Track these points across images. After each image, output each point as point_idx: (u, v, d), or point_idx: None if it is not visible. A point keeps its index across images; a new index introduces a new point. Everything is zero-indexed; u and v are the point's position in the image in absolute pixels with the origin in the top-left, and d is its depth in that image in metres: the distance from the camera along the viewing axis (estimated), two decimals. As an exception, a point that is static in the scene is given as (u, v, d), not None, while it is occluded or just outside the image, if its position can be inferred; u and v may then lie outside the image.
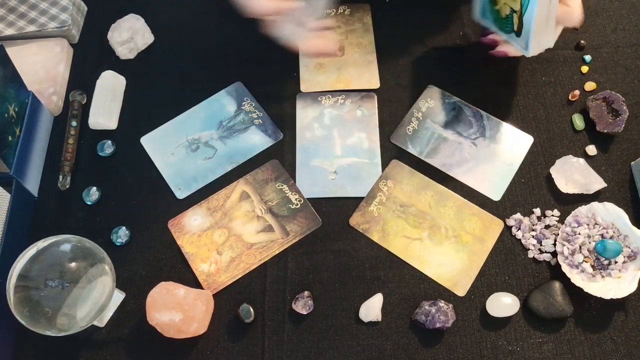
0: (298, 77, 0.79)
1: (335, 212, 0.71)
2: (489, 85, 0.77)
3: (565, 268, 0.64)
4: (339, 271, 0.67)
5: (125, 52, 0.81)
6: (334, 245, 0.69)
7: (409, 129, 0.75)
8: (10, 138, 0.69)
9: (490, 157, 0.73)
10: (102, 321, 0.65)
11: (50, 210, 0.72)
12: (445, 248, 0.68)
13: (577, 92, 0.76)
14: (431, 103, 0.77)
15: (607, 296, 0.62)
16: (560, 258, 0.65)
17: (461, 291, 0.66)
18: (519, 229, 0.68)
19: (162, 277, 0.65)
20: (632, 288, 0.62)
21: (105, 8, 0.86)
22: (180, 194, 0.72)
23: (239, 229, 0.70)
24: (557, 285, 0.64)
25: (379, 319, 0.64)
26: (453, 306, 0.64)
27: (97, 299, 0.59)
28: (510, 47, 0.74)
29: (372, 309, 0.64)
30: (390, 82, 0.78)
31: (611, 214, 0.66)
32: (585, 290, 0.63)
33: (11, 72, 0.70)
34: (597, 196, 0.70)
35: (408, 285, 0.66)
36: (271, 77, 0.80)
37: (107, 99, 0.77)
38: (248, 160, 0.74)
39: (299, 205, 0.71)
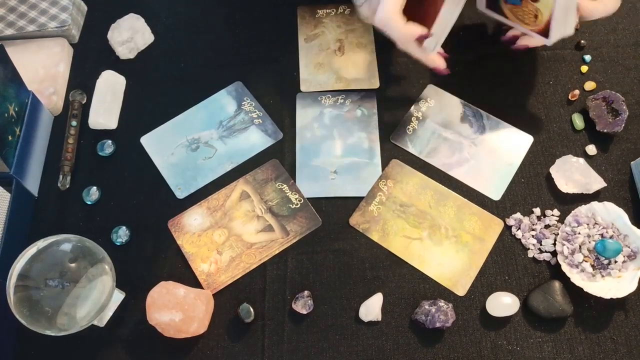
0: (298, 77, 0.79)
1: (335, 211, 0.71)
2: (489, 85, 0.77)
3: (565, 268, 0.64)
4: (339, 271, 0.67)
5: (125, 52, 0.81)
6: (334, 245, 0.69)
7: (409, 128, 0.75)
8: (10, 138, 0.69)
9: (490, 157, 0.73)
10: (102, 321, 0.65)
11: (50, 210, 0.72)
12: (445, 248, 0.68)
13: (577, 91, 0.76)
14: (431, 103, 0.77)
15: (607, 296, 0.62)
16: (560, 258, 0.65)
17: (461, 291, 0.66)
18: (519, 228, 0.68)
19: (162, 277, 0.65)
20: (632, 287, 0.62)
21: (105, 8, 0.86)
22: (180, 194, 0.72)
23: (239, 229, 0.70)
24: (557, 284, 0.64)
25: (379, 319, 0.64)
26: (453, 306, 0.64)
27: (97, 299, 0.59)
28: (530, 39, 0.74)
29: (372, 308, 0.64)
30: (390, 82, 0.79)
31: (611, 213, 0.66)
32: (585, 289, 0.63)
33: (11, 72, 0.70)
34: (597, 196, 0.70)
35: (408, 285, 0.66)
36: (271, 77, 0.80)
37: (107, 99, 0.77)
38: (248, 160, 0.74)
39: (299, 205, 0.71)
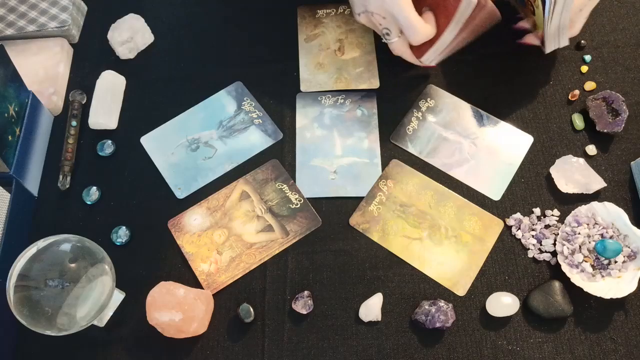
0: (298, 77, 0.79)
1: (335, 212, 0.71)
2: (489, 85, 0.77)
3: (565, 268, 0.64)
4: (339, 271, 0.67)
5: (125, 52, 0.81)
6: (334, 245, 0.69)
7: (409, 128, 0.75)
8: (10, 138, 0.69)
9: (490, 157, 0.73)
10: (102, 321, 0.65)
11: (50, 210, 0.72)
12: (445, 248, 0.68)
13: (577, 91, 0.76)
14: (431, 103, 0.77)
15: (607, 296, 0.62)
16: (560, 258, 0.65)
17: (461, 291, 0.66)
18: (519, 228, 0.68)
19: (162, 277, 0.65)
20: (632, 288, 0.62)
21: (105, 8, 0.86)
22: (180, 194, 0.72)
23: (239, 229, 0.70)
24: (557, 285, 0.64)
25: (379, 319, 0.64)
26: (453, 306, 0.64)
27: (97, 299, 0.59)
28: (533, 39, 0.75)
29: (372, 308, 0.64)
30: (390, 82, 0.78)
31: (611, 213, 0.66)
32: (585, 290, 0.63)
33: (11, 72, 0.70)
34: (597, 196, 0.70)
35: (408, 285, 0.66)
36: (271, 77, 0.80)
37: (107, 99, 0.77)
38: (248, 160, 0.74)
39: (299, 205, 0.71)
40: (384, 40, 0.72)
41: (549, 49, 0.71)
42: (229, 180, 0.73)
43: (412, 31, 0.67)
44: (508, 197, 0.71)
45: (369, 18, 0.69)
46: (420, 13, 0.68)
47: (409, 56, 0.73)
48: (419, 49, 0.71)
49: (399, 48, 0.72)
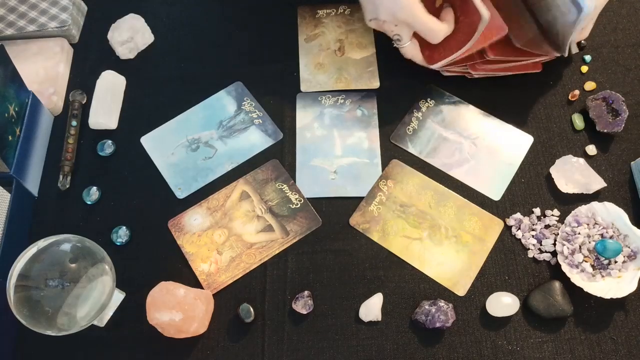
0: (298, 77, 0.79)
1: (335, 212, 0.71)
2: (489, 85, 0.77)
3: (565, 268, 0.64)
4: (339, 271, 0.67)
5: (125, 52, 0.81)
6: (334, 245, 0.69)
7: (409, 129, 0.75)
8: (10, 138, 0.69)
9: (490, 157, 0.73)
10: (102, 321, 0.66)
11: (50, 210, 0.72)
12: (445, 248, 0.68)
13: (577, 91, 0.76)
14: (431, 103, 0.77)
15: (607, 296, 0.62)
16: (560, 258, 0.65)
17: (461, 291, 0.66)
18: (519, 228, 0.68)
19: (162, 277, 0.65)
20: (632, 288, 0.62)
21: (105, 8, 0.86)
22: (180, 194, 0.72)
23: (239, 229, 0.70)
24: (557, 285, 0.64)
25: (379, 319, 0.64)
26: (453, 306, 0.64)
27: (97, 299, 0.59)
28: None
29: (372, 308, 0.64)
30: (390, 82, 0.78)
31: (611, 213, 0.66)
32: (585, 290, 0.63)
33: (11, 72, 0.70)
34: (597, 196, 0.70)
35: (408, 285, 0.66)
36: (271, 77, 0.80)
37: (107, 99, 0.77)
38: (248, 160, 0.74)
39: (299, 205, 0.71)
40: (395, 45, 0.73)
41: (565, 54, 0.72)
42: (229, 180, 0.73)
43: (432, 34, 0.69)
44: (508, 197, 0.71)
45: (380, 25, 0.70)
46: (440, 9, 0.70)
47: (419, 60, 0.74)
48: (431, 55, 0.73)
49: (410, 52, 0.74)
